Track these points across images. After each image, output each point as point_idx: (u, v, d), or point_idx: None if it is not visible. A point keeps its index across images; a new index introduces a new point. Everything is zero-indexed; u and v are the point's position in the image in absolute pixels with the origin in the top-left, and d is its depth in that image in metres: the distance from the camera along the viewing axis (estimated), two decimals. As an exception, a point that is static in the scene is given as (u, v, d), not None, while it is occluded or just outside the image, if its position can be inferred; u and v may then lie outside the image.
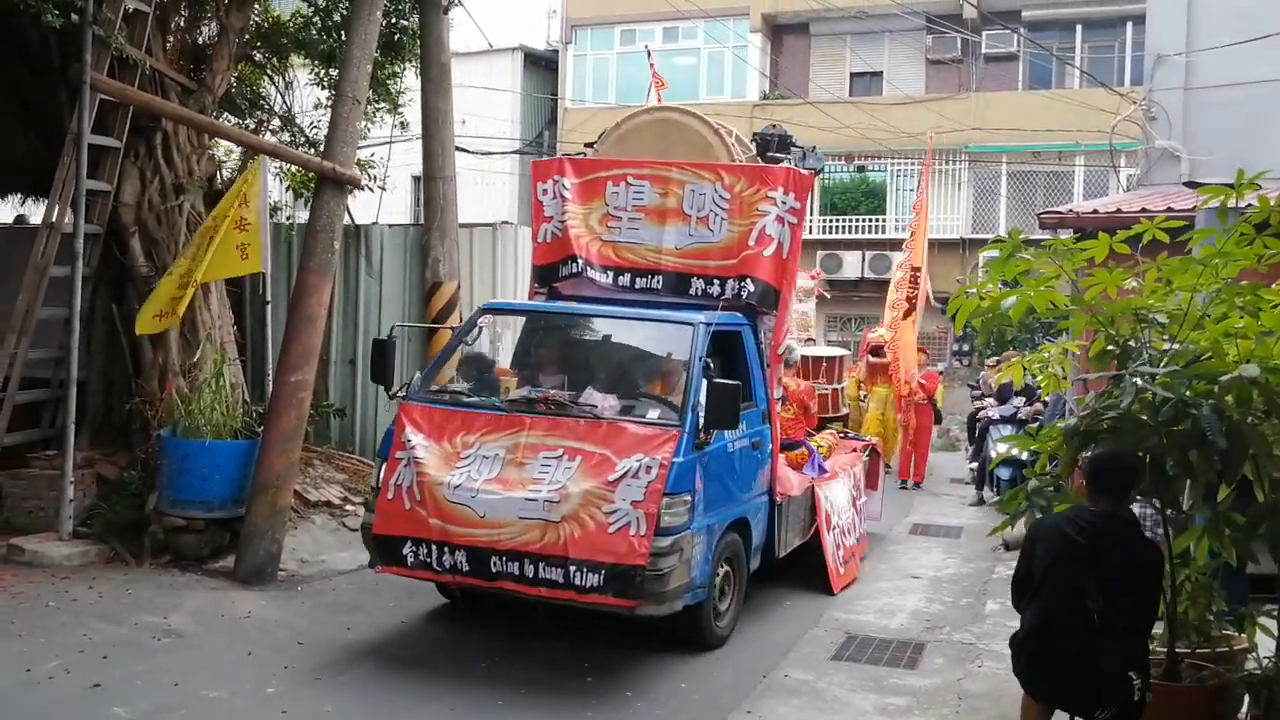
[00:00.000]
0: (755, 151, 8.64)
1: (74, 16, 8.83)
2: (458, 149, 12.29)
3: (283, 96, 12.48)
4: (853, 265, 22.96)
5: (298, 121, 12.44)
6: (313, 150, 11.44)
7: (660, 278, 7.93)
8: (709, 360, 6.87)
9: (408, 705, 5.98)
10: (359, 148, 9.89)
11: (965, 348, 22.51)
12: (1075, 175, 22.68)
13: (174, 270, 9.20)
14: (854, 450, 10.59)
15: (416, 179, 15.85)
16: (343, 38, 10.80)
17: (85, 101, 8.91)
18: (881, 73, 25.71)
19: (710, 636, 7.07)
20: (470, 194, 16.81)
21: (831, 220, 24.21)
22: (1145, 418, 4.88)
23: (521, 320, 8.83)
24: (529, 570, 6.27)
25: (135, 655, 6.46)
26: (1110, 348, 5.24)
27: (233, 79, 11.38)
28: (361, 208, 11.83)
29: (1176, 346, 5.06)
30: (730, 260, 7.79)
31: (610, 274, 8.02)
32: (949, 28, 23.15)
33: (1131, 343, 5.19)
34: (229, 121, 11.90)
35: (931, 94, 24.09)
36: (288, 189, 12.80)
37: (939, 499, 13.76)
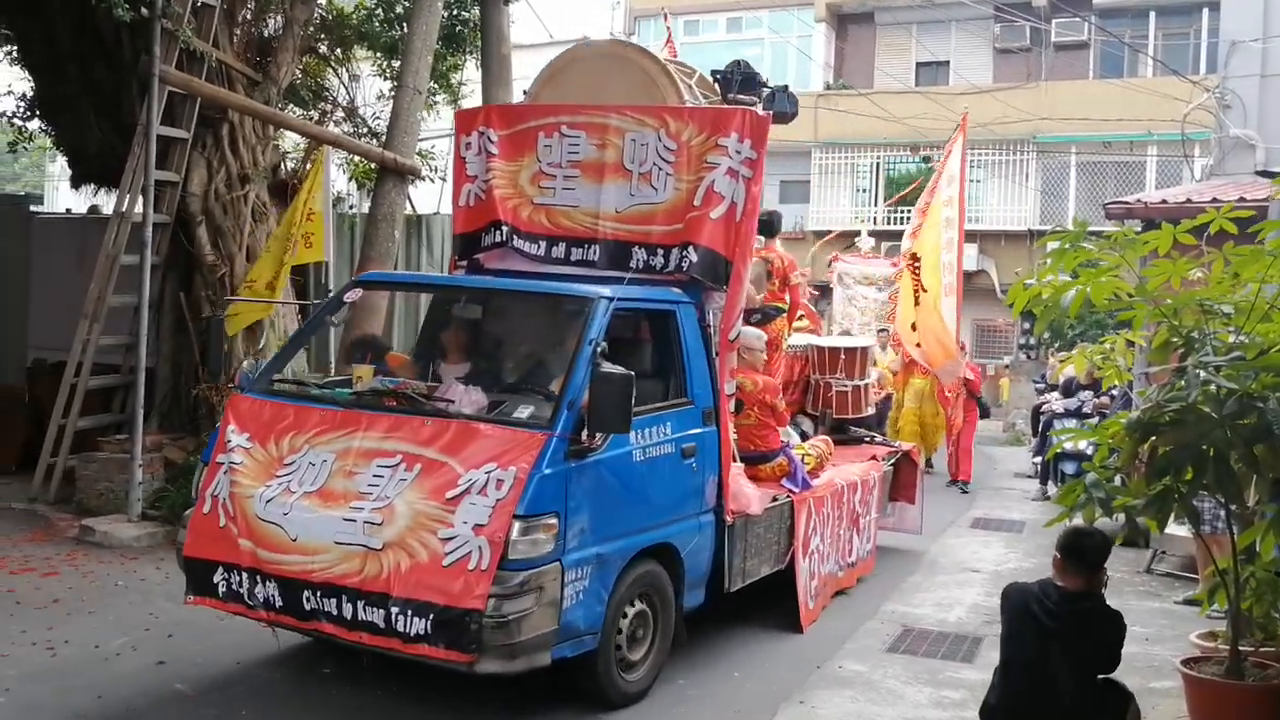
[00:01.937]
0: (721, 96, 7.38)
1: (144, 10, 9.02)
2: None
3: (346, 88, 12.67)
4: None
5: (360, 113, 12.61)
6: (375, 141, 11.60)
7: (597, 247, 6.54)
8: (602, 345, 5.51)
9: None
10: (420, 138, 10.00)
11: (1032, 341, 22.18)
12: (1147, 166, 22.25)
13: (257, 277, 9.35)
14: (872, 458, 9.23)
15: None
16: (404, 30, 10.92)
17: (154, 94, 9.10)
18: (948, 62, 25.43)
19: (612, 693, 5.68)
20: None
21: (898, 211, 23.98)
22: (1209, 411, 4.77)
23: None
24: (347, 609, 5.02)
25: (197, 634, 6.60)
26: (1174, 339, 5.13)
27: (297, 71, 11.56)
28: (423, 197, 11.96)
29: (1243, 338, 4.94)
30: (676, 225, 6.38)
31: (542, 243, 6.66)
32: (1018, 16, 22.78)
33: (1195, 334, 5.07)
34: (293, 113, 12.08)
35: (999, 83, 23.73)
36: (350, 179, 12.99)
37: (1001, 493, 13.60)
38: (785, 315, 8.79)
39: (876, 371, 13.90)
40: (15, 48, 11.78)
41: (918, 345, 12.83)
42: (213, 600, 5.47)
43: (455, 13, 11.98)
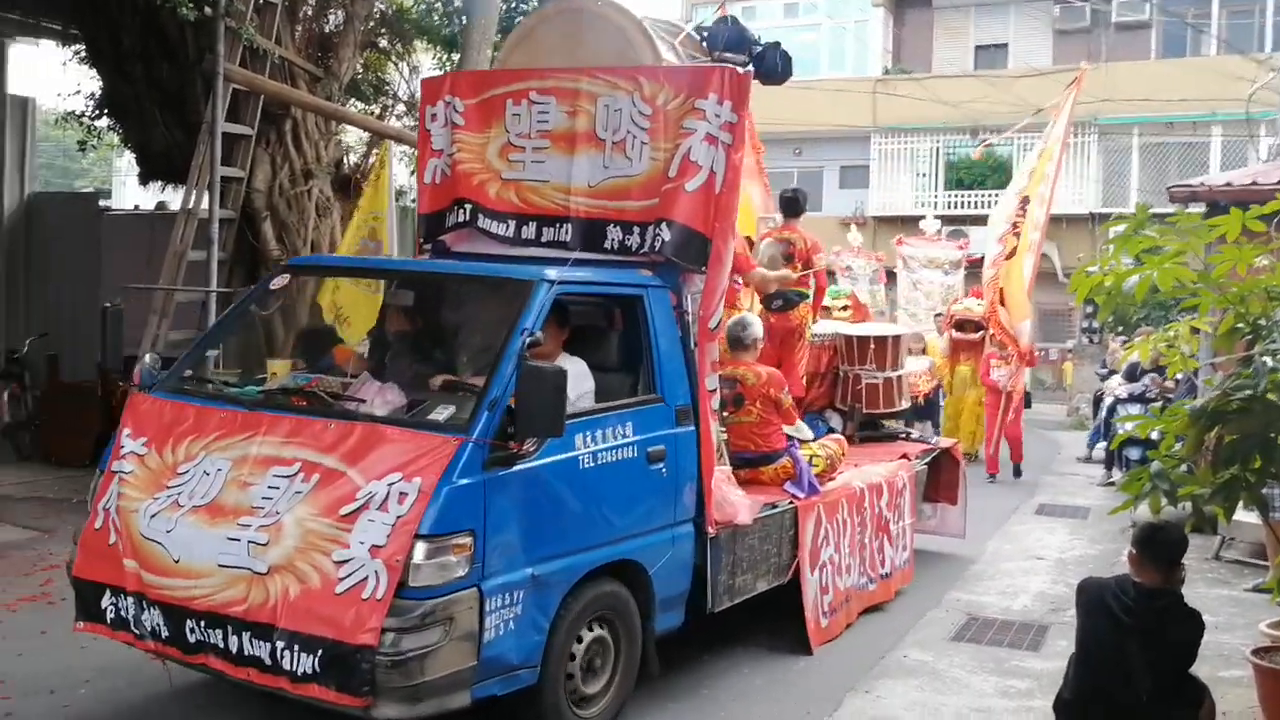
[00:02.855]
0: (709, 55, 6.71)
1: (208, 9, 9.19)
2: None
3: (406, 82, 12.80)
4: (979, 242, 22.42)
5: (421, 106, 12.73)
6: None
7: (569, 226, 5.85)
8: (535, 335, 4.77)
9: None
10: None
11: (1094, 325, 21.87)
12: (1211, 146, 21.81)
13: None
14: (902, 457, 8.26)
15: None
16: (463, 23, 11.01)
17: (219, 91, 9.27)
18: (1007, 45, 25.08)
19: None
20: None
21: (956, 196, 23.73)
22: (1277, 399, 4.69)
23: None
24: (233, 642, 4.37)
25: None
26: (1240, 326, 5.05)
27: (358, 66, 11.72)
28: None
29: (1313, 325, 4.85)
30: (652, 200, 5.66)
31: (511, 223, 5.99)
32: (1078, -4, 22.45)
33: (1262, 322, 4.99)
34: (355, 108, 12.24)
35: (1059, 65, 23.36)
36: (412, 173, 13.12)
37: (1065, 479, 13.46)
38: (809, 301, 8.22)
39: (928, 360, 13.58)
40: (84, 47, 12.05)
41: (1003, 304, 12.15)
42: (102, 627, 4.82)
43: (515, 5, 12.05)
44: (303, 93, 10.22)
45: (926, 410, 13.27)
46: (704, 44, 6.84)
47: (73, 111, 12.91)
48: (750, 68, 6.57)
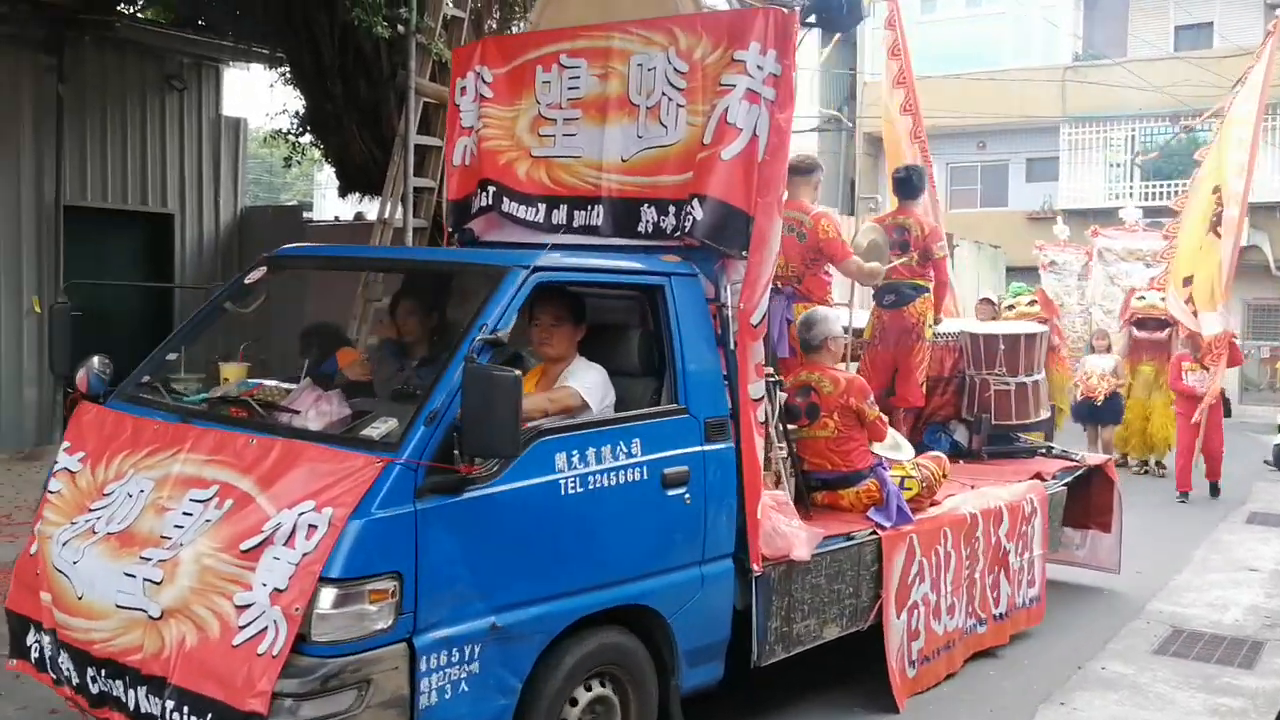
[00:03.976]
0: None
1: (400, 28, 9.56)
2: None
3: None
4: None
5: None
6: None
7: (600, 207, 5.03)
8: (497, 333, 3.93)
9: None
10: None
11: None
12: None
13: None
14: (1034, 477, 7.12)
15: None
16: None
17: (411, 105, 9.64)
18: (1211, 23, 23.75)
19: None
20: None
21: (1155, 186, 22.60)
22: None
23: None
24: (131, 696, 3.72)
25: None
26: None
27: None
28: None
29: None
30: (687, 173, 4.79)
31: (541, 206, 5.23)
32: (1291, -32, 21.03)
33: None
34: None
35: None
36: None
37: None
38: (929, 296, 7.41)
39: (1113, 358, 12.85)
40: (288, 69, 12.75)
41: (1188, 301, 11.41)
42: (28, 666, 4.27)
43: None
44: (489, 103, 10.54)
45: (1103, 413, 12.68)
46: None
47: (279, 130, 13.70)
48: (798, 6, 5.60)
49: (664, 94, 4.88)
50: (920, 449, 6.78)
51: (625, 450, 4.27)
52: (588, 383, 4.39)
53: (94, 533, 4.05)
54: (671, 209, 4.78)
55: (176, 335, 5.41)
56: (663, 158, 4.87)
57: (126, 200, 12.69)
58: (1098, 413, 12.64)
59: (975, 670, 6.27)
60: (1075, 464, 7.70)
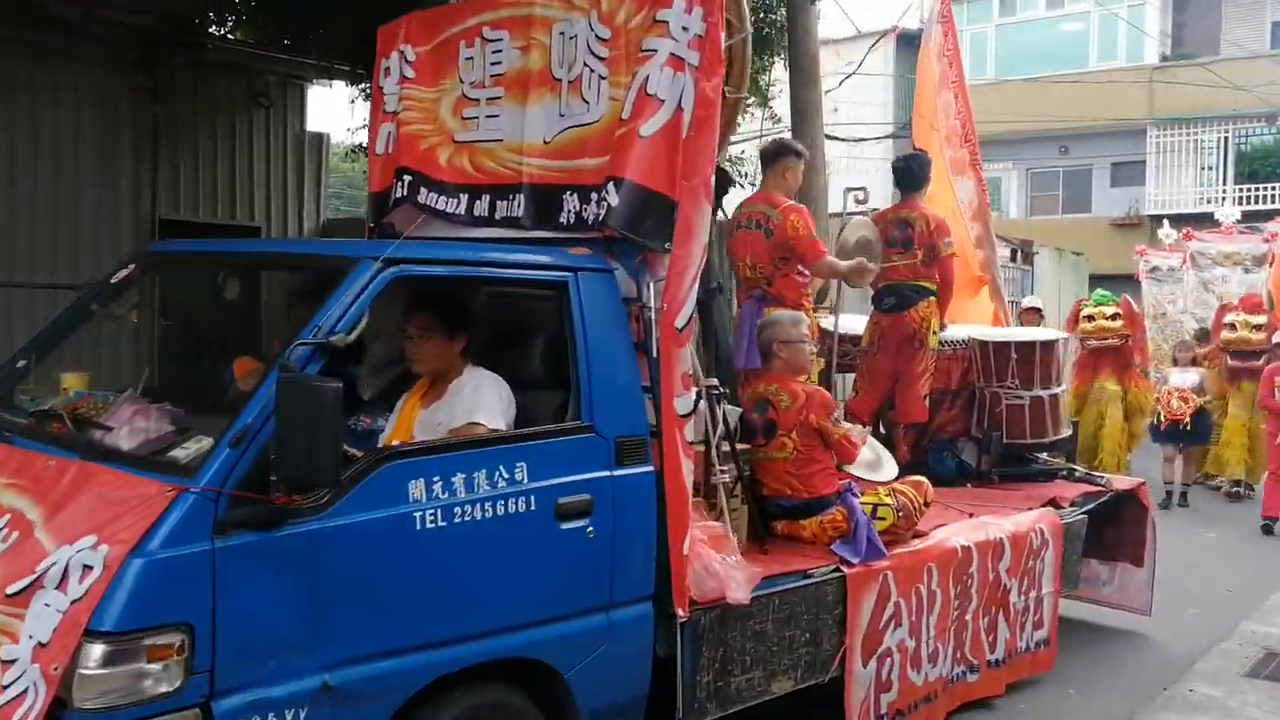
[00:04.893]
0: None
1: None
2: (828, 137, 12.31)
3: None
4: (1276, 239, 20.71)
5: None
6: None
7: (521, 196, 4.44)
8: (343, 337, 3.32)
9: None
10: (730, 143, 10.16)
11: None
12: None
13: None
14: (1048, 504, 6.30)
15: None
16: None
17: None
18: (1311, 19, 23.07)
19: None
20: (844, 181, 16.82)
21: (1250, 189, 21.99)
22: None
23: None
24: None
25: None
26: None
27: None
28: (732, 203, 12.16)
29: None
30: (607, 155, 4.16)
31: (463, 197, 4.65)
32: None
33: None
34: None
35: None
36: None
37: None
38: (933, 299, 6.75)
39: (1197, 373, 11.64)
40: (368, 85, 13.02)
41: None
42: None
43: (762, 15, 12.13)
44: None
45: (1193, 436, 11.42)
46: None
47: (360, 144, 14.02)
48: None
49: (586, 65, 4.28)
50: (924, 470, 6.24)
51: (505, 476, 3.59)
52: (485, 405, 3.80)
53: None
54: (593, 196, 4.13)
55: (26, 345, 4.54)
56: (584, 138, 4.28)
57: (217, 214, 13.10)
58: (1187, 436, 11.41)
59: (1050, 689, 6.01)
60: (1100, 489, 6.81)
